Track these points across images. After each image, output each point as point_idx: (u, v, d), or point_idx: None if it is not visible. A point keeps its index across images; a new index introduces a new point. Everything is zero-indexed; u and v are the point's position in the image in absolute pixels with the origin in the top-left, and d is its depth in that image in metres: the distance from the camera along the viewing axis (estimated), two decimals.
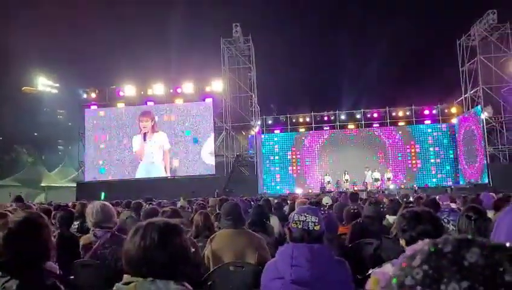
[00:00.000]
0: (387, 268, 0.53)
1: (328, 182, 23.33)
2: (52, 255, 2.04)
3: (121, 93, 24.35)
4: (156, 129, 23.36)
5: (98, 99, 24.66)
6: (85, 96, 24.78)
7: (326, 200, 9.42)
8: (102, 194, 13.28)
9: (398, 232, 2.24)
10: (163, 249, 1.58)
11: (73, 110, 23.11)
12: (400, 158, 24.87)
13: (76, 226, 4.87)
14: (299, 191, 23.44)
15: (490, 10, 21.06)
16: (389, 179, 23.06)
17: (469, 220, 2.91)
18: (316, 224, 2.22)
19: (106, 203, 3.71)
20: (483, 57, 21.68)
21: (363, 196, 14.25)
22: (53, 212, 5.40)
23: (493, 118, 21.60)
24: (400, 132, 25.16)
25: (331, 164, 24.79)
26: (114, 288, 1.55)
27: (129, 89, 24.20)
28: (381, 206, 4.95)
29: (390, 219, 5.16)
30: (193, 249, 1.73)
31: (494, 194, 9.17)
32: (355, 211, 4.84)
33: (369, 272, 2.02)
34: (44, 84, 59.76)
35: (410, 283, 0.51)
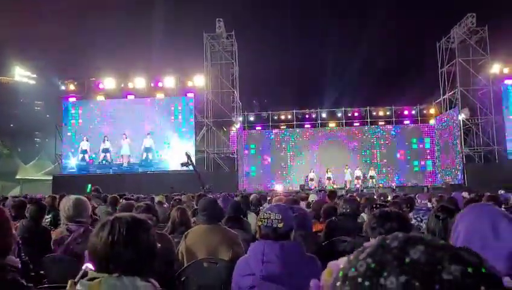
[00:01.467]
0: (341, 260, 0.55)
1: (312, 179, 23.46)
2: (13, 249, 1.99)
3: (101, 86, 23.96)
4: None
5: (77, 91, 24.21)
6: (63, 88, 24.29)
7: (312, 197, 9.53)
8: (89, 186, 12.96)
9: (368, 230, 2.28)
10: (131, 244, 1.56)
11: (51, 102, 22.67)
12: (378, 157, 25.21)
13: (49, 219, 4.79)
14: (279, 187, 23.55)
15: (469, 14, 21.46)
16: (372, 177, 23.34)
17: (437, 219, 2.96)
18: (280, 221, 2.23)
19: (81, 197, 3.65)
20: (462, 60, 22.12)
21: (343, 193, 14.40)
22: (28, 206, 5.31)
23: (470, 120, 22.09)
24: (379, 131, 25.51)
25: (313, 161, 24.95)
26: (78, 285, 1.53)
27: (109, 82, 23.83)
28: (356, 204, 5.00)
29: (366, 216, 5.23)
30: (159, 245, 1.70)
31: (467, 194, 9.41)
32: (331, 208, 4.89)
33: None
34: (21, 74, 58.29)
35: (352, 274, 0.52)
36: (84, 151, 23.30)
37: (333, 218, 4.54)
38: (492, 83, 21.85)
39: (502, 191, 10.68)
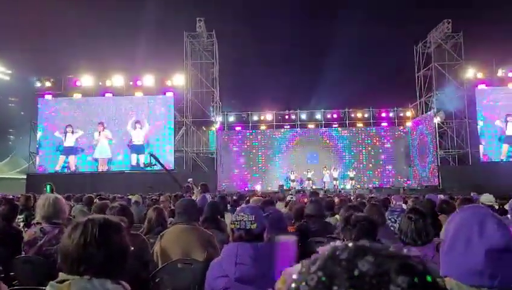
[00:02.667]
0: (295, 269, 0.54)
1: (292, 180, 23.55)
2: None
3: (78, 84, 23.53)
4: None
5: (54, 88, 23.72)
6: (39, 84, 23.78)
7: (290, 198, 9.58)
8: (48, 186, 12.53)
9: (339, 231, 2.32)
10: (103, 246, 1.55)
11: (27, 99, 22.11)
12: (356, 158, 25.53)
13: (21, 219, 4.69)
14: (258, 188, 23.59)
15: (445, 19, 21.96)
16: (351, 178, 23.62)
17: (410, 221, 3.03)
18: (253, 223, 2.24)
19: (59, 196, 3.58)
20: (438, 64, 22.63)
21: (321, 194, 14.53)
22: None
23: (445, 123, 22.59)
24: (358, 133, 25.84)
25: (293, 162, 25.08)
26: (47, 287, 1.51)
27: (86, 80, 23.43)
28: (322, 205, 5.04)
29: (333, 218, 5.32)
30: (132, 248, 1.71)
31: (442, 196, 9.63)
32: (300, 210, 4.93)
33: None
34: None
35: (304, 288, 0.53)
36: (60, 147, 22.83)
37: (302, 221, 4.57)
38: (466, 87, 22.42)
39: (475, 194, 10.97)
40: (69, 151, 22.80)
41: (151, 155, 17.76)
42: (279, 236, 2.15)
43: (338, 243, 0.58)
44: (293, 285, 0.54)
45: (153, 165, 17.33)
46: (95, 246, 1.55)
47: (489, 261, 1.30)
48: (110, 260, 1.56)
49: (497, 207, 6.67)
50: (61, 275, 1.55)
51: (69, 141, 22.78)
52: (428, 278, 0.51)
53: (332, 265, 0.53)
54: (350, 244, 0.56)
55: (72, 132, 22.74)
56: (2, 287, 1.93)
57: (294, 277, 0.56)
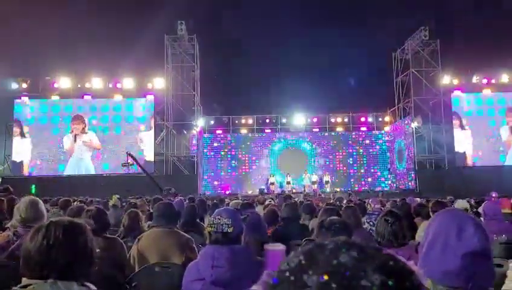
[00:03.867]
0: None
1: (272, 183, 23.59)
2: None
3: (56, 85, 23.10)
4: (86, 130, 22.55)
5: (30, 90, 23.22)
6: (15, 86, 23.26)
7: (269, 201, 9.61)
8: (33, 187, 12.21)
9: (316, 234, 2.35)
10: (67, 248, 1.54)
11: (2, 101, 21.59)
12: (335, 162, 25.79)
13: None
14: (238, 191, 23.56)
15: (422, 27, 22.44)
16: (327, 182, 23.85)
17: (386, 223, 3.09)
18: (230, 226, 2.25)
19: (39, 200, 3.51)
20: (415, 70, 23.09)
21: (301, 198, 14.63)
22: None
23: (422, 128, 23.05)
24: (337, 138, 26.12)
25: (273, 166, 25.19)
26: None
27: (64, 82, 23.02)
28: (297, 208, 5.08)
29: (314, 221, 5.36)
30: (98, 250, 1.69)
31: (418, 199, 9.83)
32: (272, 212, 4.96)
33: None
34: None
35: (284, 267, 0.55)
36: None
37: (277, 226, 4.60)
38: (442, 94, 22.94)
39: (451, 197, 11.24)
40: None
41: (129, 154, 17.47)
42: (268, 245, 2.18)
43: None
44: (281, 266, 0.56)
45: (131, 164, 17.02)
46: (59, 248, 1.52)
47: (465, 264, 1.35)
48: (74, 262, 1.54)
49: (471, 212, 6.85)
50: (24, 280, 1.52)
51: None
52: (407, 283, 0.52)
53: (316, 253, 0.55)
54: (342, 238, 0.57)
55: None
56: None
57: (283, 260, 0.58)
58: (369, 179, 25.75)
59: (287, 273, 0.54)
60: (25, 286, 1.49)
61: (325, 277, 0.50)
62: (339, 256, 0.53)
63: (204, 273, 2.19)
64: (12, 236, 3.17)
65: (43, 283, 1.49)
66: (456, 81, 23.55)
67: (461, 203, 6.49)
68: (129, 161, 17.00)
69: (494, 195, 9.77)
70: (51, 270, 1.50)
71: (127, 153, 17.90)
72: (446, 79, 23.27)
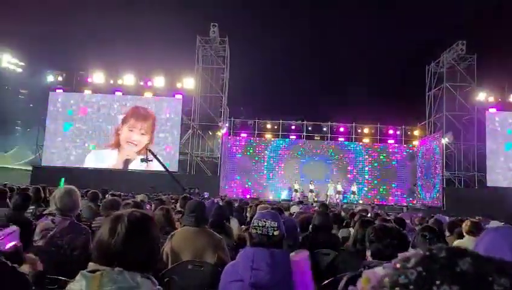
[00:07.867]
0: (378, 269, 0.58)
1: (296, 191, 23.43)
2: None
3: (89, 80, 23.71)
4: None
5: (65, 83, 23.90)
6: (51, 79, 23.96)
7: (294, 209, 9.51)
8: (62, 180, 12.41)
9: (365, 243, 2.30)
10: (145, 240, 1.58)
11: (37, 92, 22.27)
12: (361, 174, 25.42)
13: (31, 211, 4.69)
14: (261, 196, 23.49)
15: (460, 41, 21.91)
16: (354, 193, 23.53)
17: (424, 239, 3.02)
18: (276, 229, 2.23)
19: (76, 190, 3.57)
20: (449, 85, 22.56)
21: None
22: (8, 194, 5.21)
23: (452, 145, 22.47)
24: (363, 149, 25.74)
25: (297, 173, 24.98)
26: (78, 275, 1.51)
27: (98, 77, 23.59)
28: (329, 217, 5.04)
29: (344, 231, 5.29)
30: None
31: (446, 217, 9.57)
32: (309, 220, 4.93)
33: (345, 278, 2.05)
34: (8, 61, 57.12)
35: (403, 281, 0.53)
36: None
37: (308, 232, 4.56)
38: (477, 111, 22.32)
39: (480, 218, 10.89)
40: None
41: (148, 150, 17.58)
42: (292, 253, 2.18)
43: (413, 250, 0.59)
44: (386, 279, 0.55)
45: (150, 160, 17.08)
46: (139, 240, 1.56)
47: None
48: (146, 255, 1.57)
49: None
50: (91, 265, 1.55)
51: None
52: None
53: (430, 262, 0.54)
54: (445, 246, 0.57)
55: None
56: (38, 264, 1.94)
57: (384, 273, 0.57)
58: (394, 193, 25.25)
59: (411, 287, 0.53)
60: (93, 271, 1.51)
61: (457, 286, 0.50)
62: (457, 263, 0.53)
63: (243, 275, 2.18)
64: (51, 224, 3.23)
65: (110, 270, 1.50)
66: (491, 99, 22.84)
67: (495, 224, 6.28)
68: (148, 157, 17.06)
69: None
70: (123, 259, 1.52)
71: (147, 148, 18.04)
72: (481, 96, 22.61)
